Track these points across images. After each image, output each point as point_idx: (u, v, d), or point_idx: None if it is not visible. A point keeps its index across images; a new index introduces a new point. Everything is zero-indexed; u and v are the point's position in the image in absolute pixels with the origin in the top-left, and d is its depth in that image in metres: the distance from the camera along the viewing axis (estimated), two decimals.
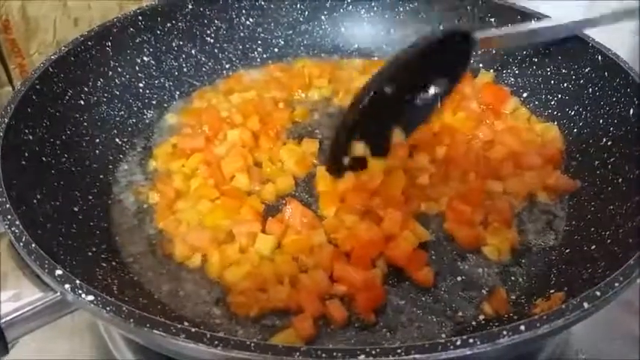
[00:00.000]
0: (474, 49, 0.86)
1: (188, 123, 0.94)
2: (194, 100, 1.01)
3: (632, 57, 1.20)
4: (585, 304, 0.50)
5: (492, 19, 1.02)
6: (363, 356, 0.44)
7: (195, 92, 1.03)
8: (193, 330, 0.47)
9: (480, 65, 1.05)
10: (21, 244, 0.56)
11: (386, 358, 0.44)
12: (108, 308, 0.50)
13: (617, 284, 0.52)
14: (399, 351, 0.45)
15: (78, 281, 0.53)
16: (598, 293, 0.51)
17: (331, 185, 0.82)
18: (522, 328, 0.47)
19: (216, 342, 0.46)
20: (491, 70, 1.03)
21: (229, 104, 0.97)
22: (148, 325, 0.48)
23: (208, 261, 0.73)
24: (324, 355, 0.44)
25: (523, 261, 0.75)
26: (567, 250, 0.75)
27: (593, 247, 0.71)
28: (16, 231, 0.57)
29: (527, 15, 0.98)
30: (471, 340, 0.46)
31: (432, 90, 0.87)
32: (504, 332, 0.47)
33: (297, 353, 0.45)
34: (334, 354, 0.44)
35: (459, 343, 0.45)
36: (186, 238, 0.75)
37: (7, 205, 0.60)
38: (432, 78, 0.87)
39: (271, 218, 0.77)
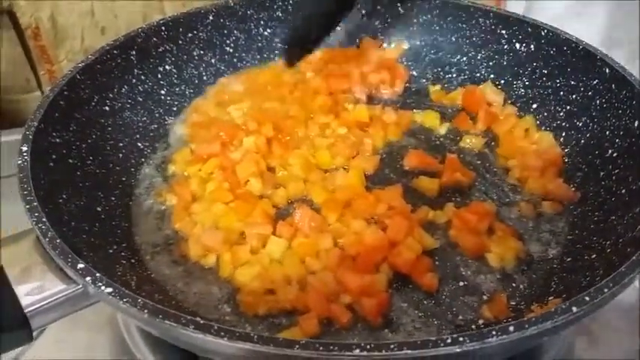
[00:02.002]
0: None
1: (201, 130, 0.96)
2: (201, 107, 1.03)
3: None
4: (574, 308, 0.52)
5: (503, 31, 1.05)
6: (357, 350, 0.47)
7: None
8: (202, 322, 0.50)
9: (491, 76, 1.07)
10: (47, 239, 0.60)
11: (379, 353, 0.47)
12: (125, 300, 0.54)
13: (606, 290, 0.54)
14: (392, 346, 0.48)
15: (98, 274, 0.57)
16: (587, 298, 0.53)
17: (327, 195, 0.84)
18: (511, 329, 0.50)
19: (222, 333, 0.49)
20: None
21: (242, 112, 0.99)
22: (160, 316, 0.52)
23: (220, 261, 0.77)
24: (321, 347, 0.48)
25: (525, 268, 0.77)
26: (569, 259, 0.76)
27: (594, 255, 0.73)
28: (43, 227, 0.62)
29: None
30: (460, 339, 0.48)
31: None
32: (493, 332, 0.49)
33: (297, 346, 0.48)
34: (331, 347, 0.47)
35: (449, 341, 0.48)
36: (200, 238, 0.78)
37: (35, 203, 0.64)
38: None
39: (281, 221, 0.80)
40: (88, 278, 0.56)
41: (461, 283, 0.75)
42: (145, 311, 0.52)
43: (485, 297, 0.73)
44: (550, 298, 0.68)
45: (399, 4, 1.13)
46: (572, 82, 0.95)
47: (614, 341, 0.80)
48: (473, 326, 0.69)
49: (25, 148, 0.72)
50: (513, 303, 0.72)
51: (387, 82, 1.07)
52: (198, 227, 0.81)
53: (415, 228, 0.79)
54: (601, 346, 0.80)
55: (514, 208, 0.85)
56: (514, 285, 0.75)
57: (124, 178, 0.89)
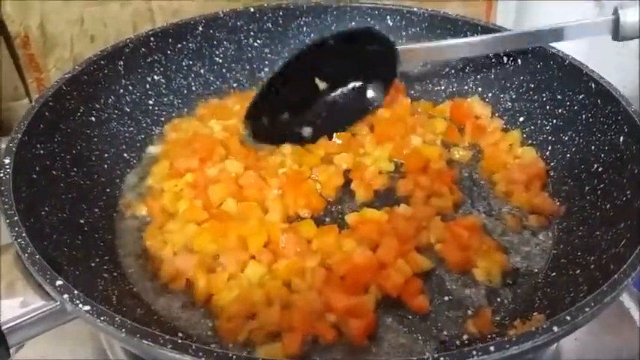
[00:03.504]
0: (398, 59, 0.97)
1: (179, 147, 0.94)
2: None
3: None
4: (555, 328, 0.52)
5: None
6: None
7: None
8: (180, 341, 0.50)
9: (479, 89, 1.08)
10: (26, 255, 0.60)
11: None
12: (102, 318, 0.53)
13: (587, 309, 0.54)
14: None
15: (76, 292, 0.56)
16: (568, 317, 0.53)
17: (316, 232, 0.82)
18: (492, 348, 0.49)
19: (200, 353, 0.49)
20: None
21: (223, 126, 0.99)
22: (138, 335, 0.51)
23: (195, 286, 0.74)
24: None
25: (510, 282, 0.77)
26: (553, 274, 0.76)
27: (578, 271, 0.73)
28: (23, 242, 0.61)
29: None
30: (441, 359, 0.48)
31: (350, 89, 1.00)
32: (474, 352, 0.49)
33: None
34: None
35: None
36: (172, 260, 0.76)
37: (15, 218, 0.64)
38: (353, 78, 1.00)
39: (263, 248, 0.77)
40: (65, 295, 0.55)
41: (446, 298, 0.75)
42: (123, 330, 0.52)
43: (470, 312, 0.73)
44: (534, 314, 0.68)
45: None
46: (559, 97, 0.96)
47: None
48: (457, 342, 0.69)
49: (7, 161, 0.72)
50: (498, 318, 0.72)
51: (394, 98, 1.06)
52: (169, 248, 0.78)
53: (410, 252, 0.77)
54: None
55: (500, 222, 0.86)
56: (499, 300, 0.75)
57: (108, 190, 0.88)
